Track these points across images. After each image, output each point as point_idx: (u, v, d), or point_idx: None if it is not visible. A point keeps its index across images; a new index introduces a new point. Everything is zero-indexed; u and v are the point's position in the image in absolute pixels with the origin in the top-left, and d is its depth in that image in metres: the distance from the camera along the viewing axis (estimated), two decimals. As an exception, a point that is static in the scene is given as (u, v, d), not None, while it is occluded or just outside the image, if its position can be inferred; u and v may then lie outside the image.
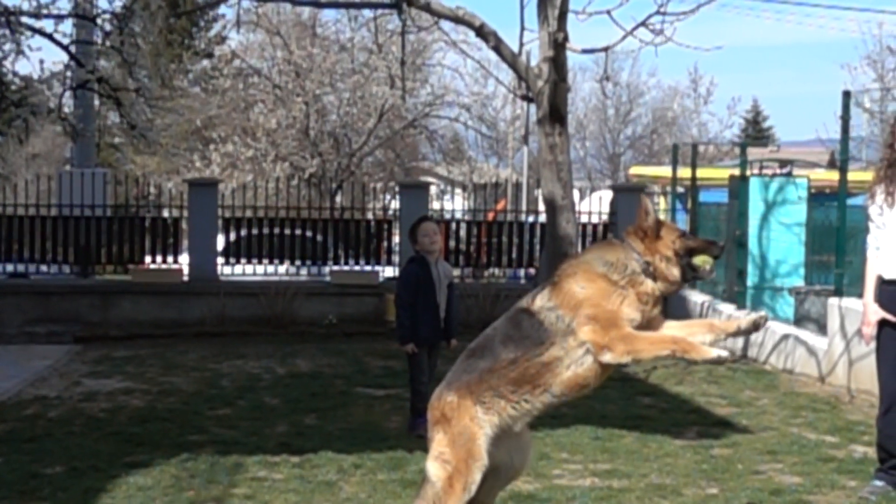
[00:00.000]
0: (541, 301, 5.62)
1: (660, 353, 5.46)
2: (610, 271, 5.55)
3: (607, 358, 5.44)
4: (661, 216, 5.80)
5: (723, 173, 22.96)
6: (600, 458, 8.75)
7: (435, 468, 5.62)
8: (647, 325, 5.57)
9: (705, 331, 5.58)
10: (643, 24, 12.70)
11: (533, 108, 14.07)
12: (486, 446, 5.56)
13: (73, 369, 13.40)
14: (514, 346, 5.57)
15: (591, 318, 5.45)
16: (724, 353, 5.47)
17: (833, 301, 12.35)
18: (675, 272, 5.63)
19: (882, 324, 7.67)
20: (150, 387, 12.12)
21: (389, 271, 19.28)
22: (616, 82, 45.88)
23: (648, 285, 5.56)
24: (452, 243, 19.78)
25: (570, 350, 5.48)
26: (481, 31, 13.09)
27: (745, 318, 5.63)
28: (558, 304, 5.54)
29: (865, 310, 7.85)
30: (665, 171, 27.66)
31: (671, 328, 5.63)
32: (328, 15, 32.90)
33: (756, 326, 5.61)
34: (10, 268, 19.00)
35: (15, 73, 17.88)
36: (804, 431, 9.90)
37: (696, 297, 17.12)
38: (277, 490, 7.72)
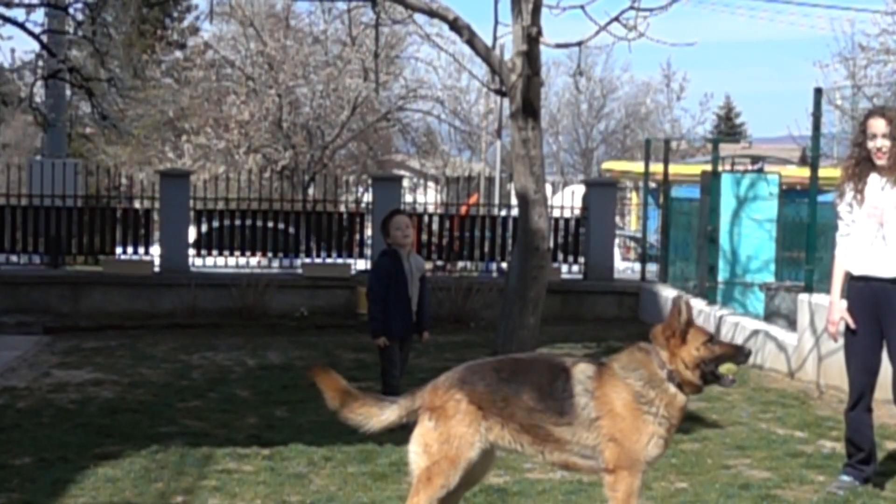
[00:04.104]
0: (582, 378, 5.65)
1: None
2: (646, 388, 5.60)
3: (607, 478, 5.59)
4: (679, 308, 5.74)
5: (695, 169, 23.07)
6: (570, 451, 8.75)
7: (418, 456, 5.71)
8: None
9: None
10: (616, 19, 12.68)
11: (506, 102, 14.05)
12: (474, 457, 5.66)
13: (42, 360, 13.32)
14: (537, 397, 5.64)
15: (617, 442, 5.55)
16: None
17: (803, 297, 12.41)
18: (696, 379, 5.68)
19: (851, 317, 7.72)
20: (121, 378, 12.06)
21: (361, 264, 19.26)
22: (589, 77, 46.02)
23: (679, 398, 5.65)
24: (425, 237, 19.79)
25: (580, 442, 5.60)
26: (455, 25, 13.07)
27: None
28: (594, 394, 5.60)
29: (831, 308, 7.91)
30: (637, 166, 27.79)
31: None
32: (302, 7, 32.92)
33: None
34: (-21, 258, 18.90)
35: (-14, 62, 17.81)
36: (773, 426, 9.95)
37: (668, 293, 17.18)
38: (247, 482, 7.70)
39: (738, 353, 5.79)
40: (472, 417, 5.65)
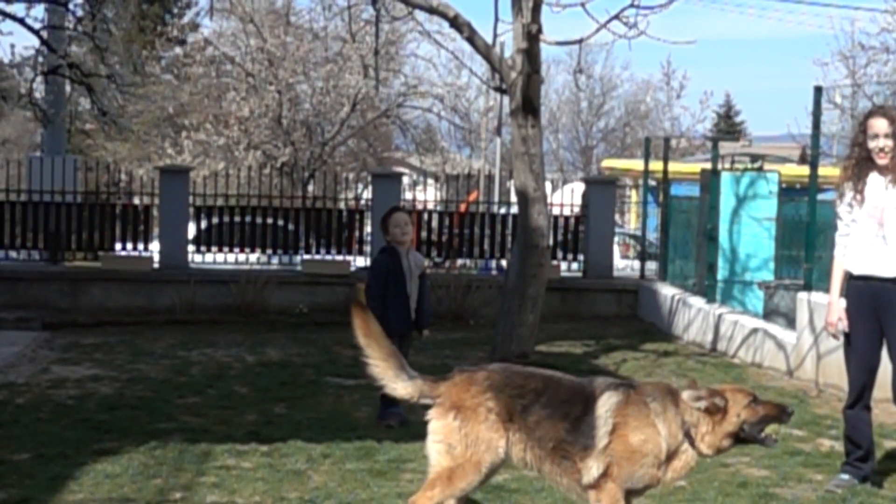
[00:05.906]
0: (603, 412, 5.60)
1: None
2: (665, 440, 5.58)
3: (591, 492, 5.58)
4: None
5: (694, 167, 23.07)
6: (569, 449, 8.74)
7: (440, 455, 5.62)
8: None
9: None
10: (617, 16, 12.70)
11: (506, 99, 14.07)
12: (497, 462, 5.66)
13: (41, 356, 13.32)
14: (567, 430, 5.60)
15: (618, 467, 5.53)
16: None
17: (802, 295, 12.41)
18: (726, 444, 5.65)
19: (850, 317, 7.72)
20: (119, 374, 12.06)
21: (361, 261, 19.26)
22: (589, 75, 46.06)
23: (692, 459, 5.63)
24: (424, 234, 19.78)
25: (592, 468, 5.56)
26: (455, 22, 13.07)
27: None
28: (616, 430, 5.56)
29: (830, 308, 7.91)
30: (637, 164, 27.79)
31: None
32: (302, 3, 33.00)
33: None
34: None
35: (-15, 58, 17.82)
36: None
37: (667, 291, 17.18)
38: (246, 478, 7.70)
39: (782, 414, 5.71)
40: (499, 426, 5.59)
